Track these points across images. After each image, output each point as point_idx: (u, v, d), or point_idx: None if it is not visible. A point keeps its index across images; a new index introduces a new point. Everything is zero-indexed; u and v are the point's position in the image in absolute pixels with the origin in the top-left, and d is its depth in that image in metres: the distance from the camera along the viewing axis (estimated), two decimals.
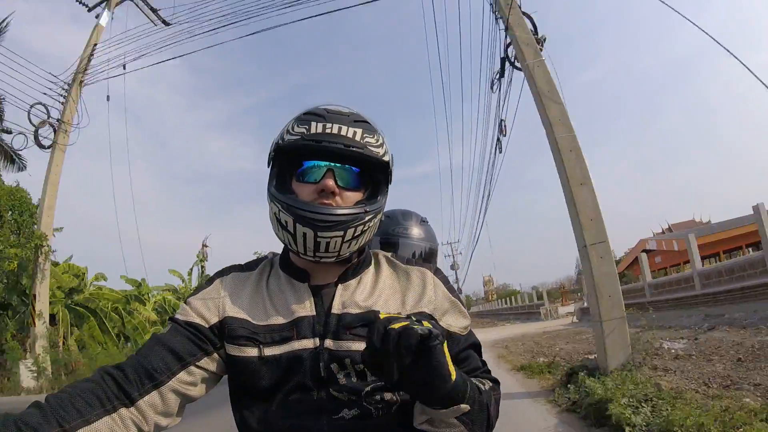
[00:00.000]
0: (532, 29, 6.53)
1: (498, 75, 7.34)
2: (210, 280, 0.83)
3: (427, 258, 1.38)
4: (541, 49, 6.36)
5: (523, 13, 6.56)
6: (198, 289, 0.82)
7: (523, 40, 6.38)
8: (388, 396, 0.72)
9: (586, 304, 18.31)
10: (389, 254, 0.88)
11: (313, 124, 0.73)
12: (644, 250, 20.71)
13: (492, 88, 7.78)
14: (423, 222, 1.43)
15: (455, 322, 0.79)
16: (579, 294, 29.82)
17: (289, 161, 0.78)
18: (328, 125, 0.72)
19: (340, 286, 0.78)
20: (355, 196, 0.77)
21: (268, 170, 0.80)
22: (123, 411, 0.63)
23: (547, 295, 30.55)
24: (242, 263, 0.87)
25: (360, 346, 0.69)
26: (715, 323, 9.14)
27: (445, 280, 0.84)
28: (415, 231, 1.37)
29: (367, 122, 0.77)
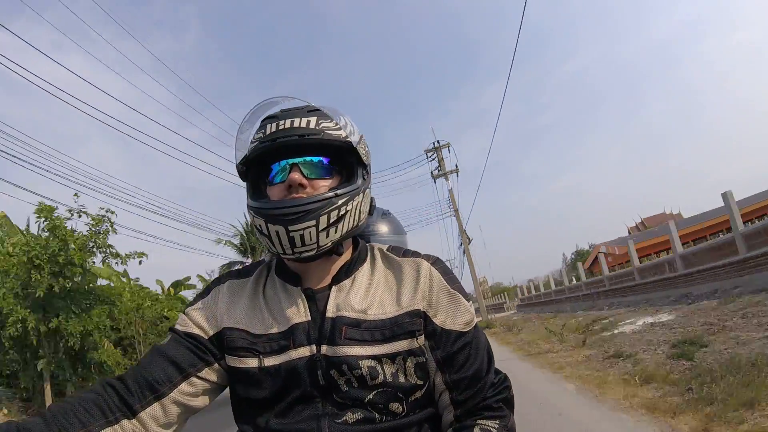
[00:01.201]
0: (469, 241, 24.52)
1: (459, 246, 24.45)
2: (207, 290, 0.81)
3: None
4: (469, 241, 24.51)
5: (467, 238, 24.35)
6: (196, 299, 0.80)
7: (467, 252, 23.81)
8: (393, 405, 0.70)
9: (520, 302, 36.72)
10: (385, 247, 0.84)
11: (269, 126, 0.72)
12: (598, 253, 29.65)
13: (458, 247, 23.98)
14: (385, 214, 1.46)
15: (452, 318, 0.74)
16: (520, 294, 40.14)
17: (259, 171, 0.77)
18: (281, 122, 0.71)
19: (334, 288, 0.75)
20: (328, 184, 0.74)
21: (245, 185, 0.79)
22: (125, 422, 0.63)
23: (507, 295, 50.04)
24: (239, 269, 0.85)
25: (355, 350, 0.69)
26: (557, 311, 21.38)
27: (444, 271, 0.78)
28: (379, 224, 1.39)
29: (322, 109, 0.75)
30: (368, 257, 0.82)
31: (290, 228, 0.68)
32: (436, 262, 0.80)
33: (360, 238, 0.85)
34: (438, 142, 24.51)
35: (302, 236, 0.68)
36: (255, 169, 0.77)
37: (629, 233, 35.77)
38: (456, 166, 24.74)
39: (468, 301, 0.77)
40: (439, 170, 24.16)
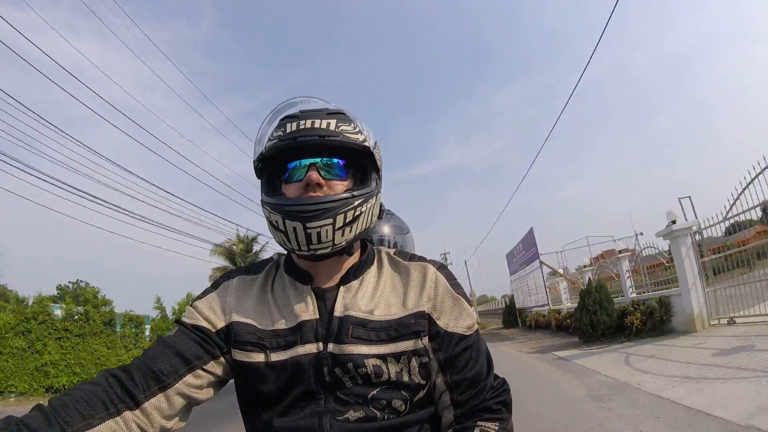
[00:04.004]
0: None
1: None
2: (216, 284, 0.82)
3: (397, 245, 1.41)
4: None
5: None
6: (204, 293, 0.80)
7: None
8: (396, 402, 0.71)
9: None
10: (392, 251, 0.86)
11: (289, 125, 0.73)
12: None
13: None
14: (387, 215, 1.45)
15: (455, 321, 0.77)
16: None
17: (275, 168, 0.78)
18: (302, 122, 0.73)
19: (342, 288, 0.77)
20: (344, 185, 0.76)
21: (259, 182, 0.80)
22: (127, 414, 0.62)
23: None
24: (248, 265, 0.86)
25: (361, 349, 0.70)
26: None
27: (448, 276, 0.81)
28: (381, 224, 1.38)
29: (343, 112, 0.76)
30: (375, 260, 0.84)
31: (308, 225, 0.69)
32: (441, 267, 0.82)
33: (368, 242, 0.86)
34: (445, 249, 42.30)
35: (319, 234, 0.70)
36: (271, 166, 0.78)
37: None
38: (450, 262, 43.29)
39: (470, 306, 0.80)
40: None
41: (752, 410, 3.29)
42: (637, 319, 8.42)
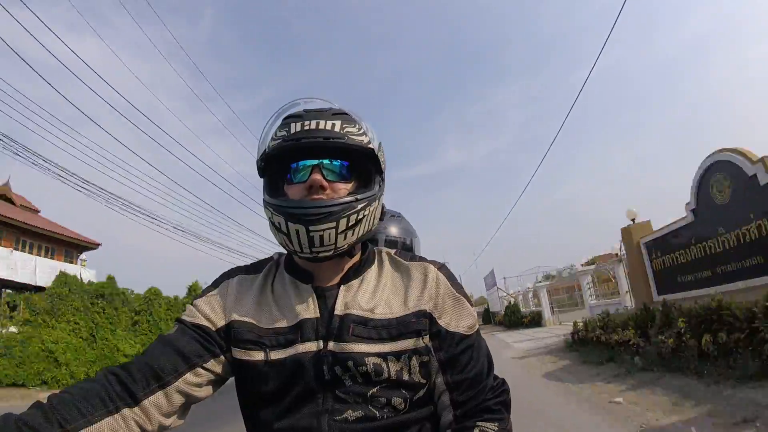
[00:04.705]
0: None
1: None
2: (216, 283, 0.82)
3: (407, 249, 1.45)
4: None
5: None
6: (204, 291, 0.81)
7: None
8: (396, 401, 0.71)
9: None
10: (392, 251, 0.87)
11: (293, 125, 0.73)
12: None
13: None
14: (396, 217, 1.52)
15: (456, 321, 0.77)
16: None
17: (278, 168, 0.78)
18: (306, 122, 0.73)
19: (342, 287, 0.77)
20: (347, 187, 0.76)
21: (262, 181, 0.80)
22: (126, 411, 0.62)
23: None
24: (248, 264, 0.87)
25: (361, 347, 0.70)
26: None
27: (449, 276, 0.81)
28: (390, 226, 1.45)
29: (347, 113, 0.76)
30: (376, 260, 0.85)
31: (311, 228, 0.70)
32: (442, 267, 0.82)
33: (369, 242, 0.87)
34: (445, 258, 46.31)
35: (321, 237, 0.70)
36: (274, 166, 0.78)
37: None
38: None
39: (471, 306, 0.80)
40: None
41: (516, 341, 14.24)
42: (527, 319, 19.85)
